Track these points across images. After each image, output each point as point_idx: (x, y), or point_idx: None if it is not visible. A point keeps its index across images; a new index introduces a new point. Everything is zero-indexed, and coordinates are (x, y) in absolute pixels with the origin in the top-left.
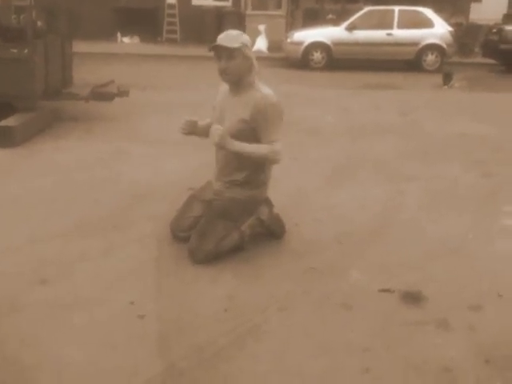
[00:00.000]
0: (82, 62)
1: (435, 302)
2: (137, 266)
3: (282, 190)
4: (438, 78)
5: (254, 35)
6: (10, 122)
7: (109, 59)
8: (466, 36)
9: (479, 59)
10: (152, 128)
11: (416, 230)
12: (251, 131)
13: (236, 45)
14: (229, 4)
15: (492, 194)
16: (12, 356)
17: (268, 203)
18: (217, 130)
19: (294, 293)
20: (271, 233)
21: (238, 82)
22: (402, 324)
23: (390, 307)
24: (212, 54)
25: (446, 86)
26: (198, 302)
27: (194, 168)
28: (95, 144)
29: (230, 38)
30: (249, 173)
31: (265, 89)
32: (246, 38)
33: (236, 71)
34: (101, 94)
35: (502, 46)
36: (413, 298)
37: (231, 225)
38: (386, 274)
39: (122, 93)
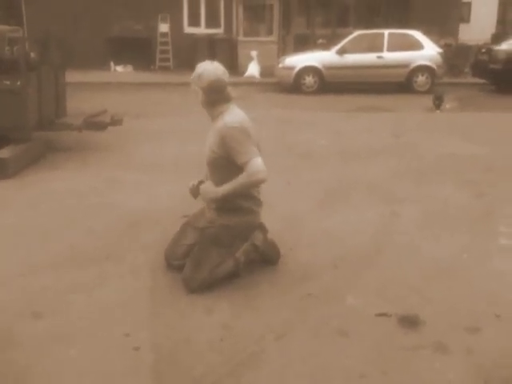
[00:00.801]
0: (76, 92)
1: (432, 325)
2: (131, 296)
3: (276, 215)
4: (429, 100)
5: (247, 61)
6: (3, 153)
7: (102, 88)
8: (456, 57)
9: (469, 79)
10: (145, 155)
11: (411, 252)
12: (224, 159)
13: (196, 81)
14: (221, 31)
15: (485, 214)
16: None
17: (262, 229)
18: (202, 189)
19: (290, 320)
20: (266, 258)
21: (209, 113)
22: (399, 349)
23: (386, 332)
24: None
25: (438, 111)
26: (193, 332)
27: (187, 194)
28: (89, 173)
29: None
30: (236, 200)
31: (230, 115)
32: (201, 71)
33: (202, 103)
34: (94, 124)
35: (492, 66)
36: (410, 321)
37: (225, 252)
38: (382, 298)
39: (116, 121)
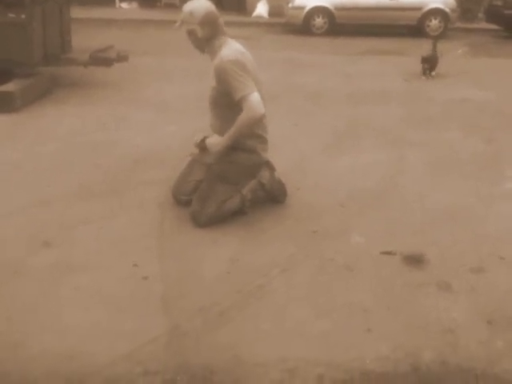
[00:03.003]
0: (80, 28)
1: (437, 264)
2: (139, 229)
3: (283, 155)
4: (442, 43)
5: (255, 0)
6: (10, 87)
7: (107, 25)
8: (470, 1)
9: (483, 25)
10: (151, 93)
11: (417, 195)
12: (224, 96)
13: (177, 24)
14: None
15: (493, 159)
16: (15, 319)
17: (269, 167)
18: (209, 143)
19: (296, 255)
20: (273, 197)
21: (208, 51)
22: (404, 286)
23: (391, 269)
24: None
25: (424, 77)
26: (200, 265)
27: (193, 133)
28: (95, 109)
29: (181, 14)
30: (240, 139)
31: (227, 49)
32: (190, 8)
33: (194, 44)
34: (100, 59)
35: (506, 12)
36: (415, 260)
37: (232, 188)
38: (388, 238)
39: (122, 58)
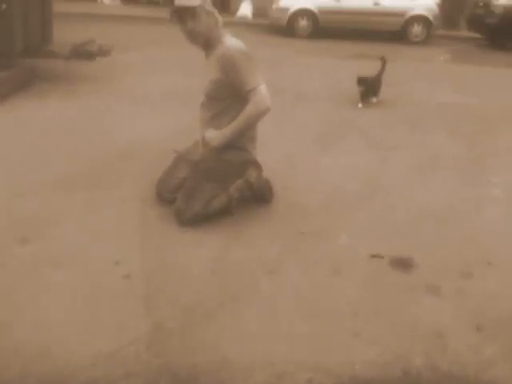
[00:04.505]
0: (62, 23)
1: (425, 268)
2: (121, 225)
3: (269, 155)
4: (425, 50)
5: (239, 0)
6: None
7: (89, 20)
8: (452, 9)
9: (464, 33)
10: (134, 87)
11: (402, 197)
12: (228, 89)
13: (197, 2)
14: None
15: (476, 164)
16: None
17: (257, 166)
18: (203, 140)
19: (282, 257)
20: (260, 196)
21: (208, 42)
22: (392, 289)
23: (379, 272)
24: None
25: (360, 104)
26: (184, 264)
27: (177, 127)
28: (77, 103)
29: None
30: None
31: (230, 40)
32: (184, 1)
33: (203, 29)
34: (81, 53)
35: (488, 21)
36: (403, 263)
37: (218, 187)
38: (375, 240)
39: (104, 52)
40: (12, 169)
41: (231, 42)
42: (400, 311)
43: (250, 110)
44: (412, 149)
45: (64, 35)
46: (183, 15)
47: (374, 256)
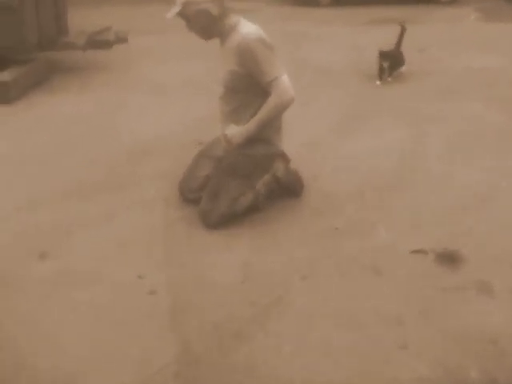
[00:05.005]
0: (76, 8)
1: (473, 261)
2: (143, 233)
3: (294, 140)
4: (453, 10)
5: None
6: (5, 76)
7: (104, 3)
8: None
9: None
10: (153, 76)
11: (442, 178)
12: (246, 80)
13: (178, 9)
14: None
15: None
16: (7, 339)
17: (284, 158)
18: (225, 137)
19: (317, 258)
20: (288, 190)
21: (216, 35)
22: (439, 290)
23: (423, 270)
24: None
25: (378, 82)
26: (212, 273)
27: (199, 118)
28: (94, 96)
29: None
30: None
31: (245, 27)
32: None
33: (201, 30)
34: (98, 42)
35: None
36: (449, 258)
37: (244, 184)
38: (416, 230)
39: (120, 39)
40: (27, 174)
41: (247, 28)
42: (449, 316)
43: (273, 101)
44: (447, 121)
45: (80, 23)
46: (182, 19)
47: (416, 252)
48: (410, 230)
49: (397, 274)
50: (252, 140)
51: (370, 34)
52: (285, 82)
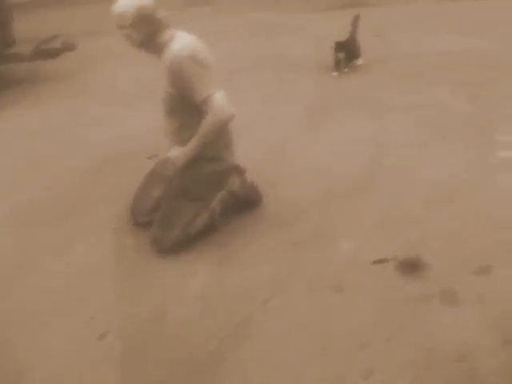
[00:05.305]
0: (22, 13)
1: (437, 267)
2: (94, 264)
3: (253, 142)
4: None
5: None
6: None
7: (52, 5)
8: None
9: None
10: (105, 83)
11: (406, 175)
12: (181, 99)
13: (131, 11)
14: None
15: (482, 121)
16: None
17: (238, 171)
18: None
19: (279, 277)
20: (246, 203)
21: (153, 50)
22: (403, 303)
23: (386, 282)
24: None
25: (335, 72)
26: (169, 303)
27: (157, 129)
28: (45, 108)
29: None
30: None
31: (178, 43)
32: (118, 10)
33: (139, 46)
34: (45, 52)
35: None
36: (411, 266)
37: (198, 205)
38: (380, 236)
39: (68, 46)
40: None
41: (179, 44)
42: (415, 333)
43: (209, 121)
44: (411, 112)
45: (26, 30)
46: (116, 23)
47: (377, 262)
48: (373, 237)
49: (360, 289)
50: (200, 159)
51: (332, 21)
52: (219, 99)
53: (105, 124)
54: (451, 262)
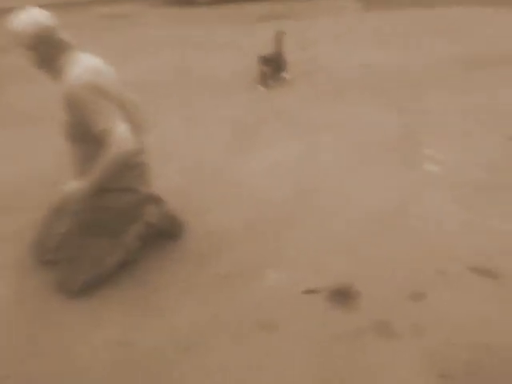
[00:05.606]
0: None
1: (370, 296)
2: None
3: (177, 166)
4: (334, 1)
5: None
6: None
7: None
8: None
9: None
10: (11, 102)
11: (338, 201)
12: (81, 129)
13: (30, 30)
14: None
15: (407, 136)
16: None
17: (155, 200)
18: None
19: (202, 320)
20: (167, 234)
21: (51, 73)
22: (336, 340)
23: (318, 316)
24: None
25: (262, 88)
26: (77, 362)
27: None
28: None
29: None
30: None
31: (75, 68)
32: (16, 29)
33: (37, 66)
34: None
35: None
36: (343, 295)
37: (109, 240)
38: (309, 266)
39: None
40: None
41: (73, 71)
42: (351, 374)
43: (107, 155)
44: (339, 128)
45: None
46: (14, 41)
47: (308, 292)
48: (302, 267)
49: (290, 326)
50: (111, 190)
51: (254, 34)
52: (118, 133)
53: (10, 152)
54: (384, 290)
